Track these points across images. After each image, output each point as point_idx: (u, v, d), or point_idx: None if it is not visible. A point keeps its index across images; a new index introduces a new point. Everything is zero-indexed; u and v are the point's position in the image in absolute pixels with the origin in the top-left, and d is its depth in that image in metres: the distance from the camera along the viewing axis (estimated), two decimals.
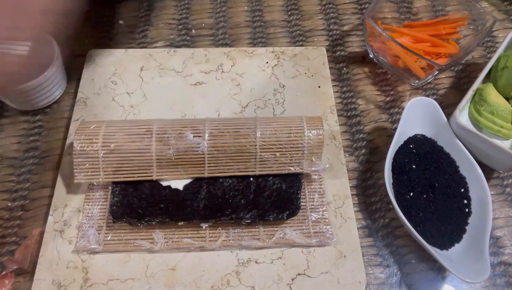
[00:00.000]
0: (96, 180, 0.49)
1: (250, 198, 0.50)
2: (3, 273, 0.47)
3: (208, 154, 0.49)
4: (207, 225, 0.49)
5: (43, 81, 0.54)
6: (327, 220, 0.50)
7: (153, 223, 0.48)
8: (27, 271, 0.47)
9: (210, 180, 0.50)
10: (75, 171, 0.48)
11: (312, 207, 0.51)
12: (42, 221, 0.51)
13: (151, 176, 0.49)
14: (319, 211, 0.51)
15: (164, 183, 0.50)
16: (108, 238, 0.48)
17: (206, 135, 0.49)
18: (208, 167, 0.50)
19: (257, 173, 0.50)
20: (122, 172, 0.49)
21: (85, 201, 0.51)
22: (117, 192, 0.49)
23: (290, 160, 0.50)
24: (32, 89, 0.54)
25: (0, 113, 0.59)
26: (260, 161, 0.50)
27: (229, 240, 0.49)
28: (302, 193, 0.51)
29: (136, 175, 0.49)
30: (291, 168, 0.50)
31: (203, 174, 0.50)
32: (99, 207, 0.50)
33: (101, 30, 0.68)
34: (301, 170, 0.50)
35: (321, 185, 0.53)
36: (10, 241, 0.50)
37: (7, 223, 0.51)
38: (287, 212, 0.49)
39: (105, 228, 0.49)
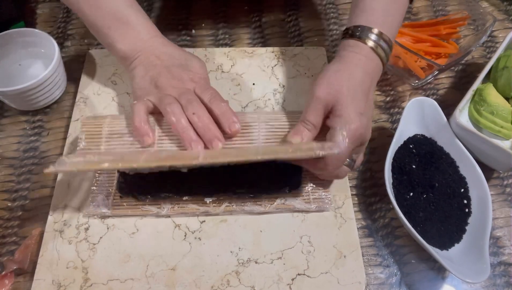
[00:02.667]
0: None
1: (253, 173, 0.50)
2: (3, 273, 0.47)
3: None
4: (210, 200, 0.50)
5: (43, 81, 0.54)
6: (326, 187, 0.52)
7: (159, 198, 0.50)
8: (27, 271, 0.47)
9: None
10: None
11: (312, 176, 0.52)
12: (42, 221, 0.51)
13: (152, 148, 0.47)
14: (318, 180, 0.52)
15: None
16: (117, 203, 0.50)
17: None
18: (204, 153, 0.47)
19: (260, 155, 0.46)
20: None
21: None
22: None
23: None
24: (32, 89, 0.54)
25: (0, 113, 0.59)
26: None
27: (232, 205, 0.50)
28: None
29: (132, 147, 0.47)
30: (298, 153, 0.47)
31: (198, 159, 0.45)
32: (107, 174, 0.52)
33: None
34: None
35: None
36: (10, 241, 0.50)
37: (7, 223, 0.51)
38: (289, 184, 0.50)
39: (114, 194, 0.50)
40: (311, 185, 0.52)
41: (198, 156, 0.44)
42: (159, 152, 0.46)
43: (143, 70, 0.49)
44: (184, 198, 0.50)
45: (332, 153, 0.43)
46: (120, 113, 0.58)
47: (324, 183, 0.52)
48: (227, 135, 0.47)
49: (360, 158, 0.50)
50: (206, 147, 0.45)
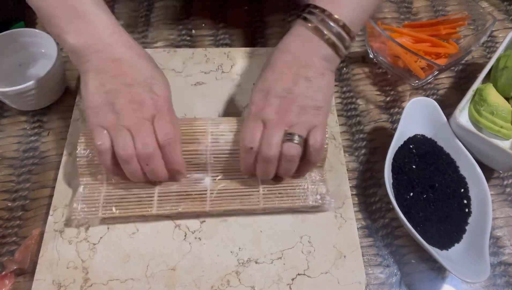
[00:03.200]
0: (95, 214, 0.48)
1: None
2: (3, 273, 0.47)
3: (210, 190, 0.50)
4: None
5: (43, 81, 0.54)
6: (327, 188, 0.51)
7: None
8: (27, 271, 0.47)
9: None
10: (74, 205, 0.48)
11: (312, 178, 0.52)
12: (42, 221, 0.51)
13: (151, 209, 0.49)
14: (318, 181, 0.52)
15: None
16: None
17: (209, 171, 0.50)
18: (211, 202, 0.50)
19: (261, 205, 0.50)
20: (123, 205, 0.49)
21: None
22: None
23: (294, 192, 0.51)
24: (32, 89, 0.54)
25: (0, 113, 0.59)
26: (263, 195, 0.50)
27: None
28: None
29: (136, 209, 0.49)
30: (297, 201, 0.50)
31: (205, 208, 0.49)
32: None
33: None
34: (305, 203, 0.50)
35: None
36: (10, 241, 0.50)
37: (7, 223, 0.51)
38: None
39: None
40: (311, 185, 0.52)
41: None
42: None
43: (98, 80, 0.43)
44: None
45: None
46: None
47: (325, 175, 0.52)
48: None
49: (316, 136, 0.45)
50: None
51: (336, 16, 0.45)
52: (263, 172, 0.47)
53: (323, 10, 0.45)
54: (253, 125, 0.45)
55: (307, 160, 0.47)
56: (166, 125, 0.44)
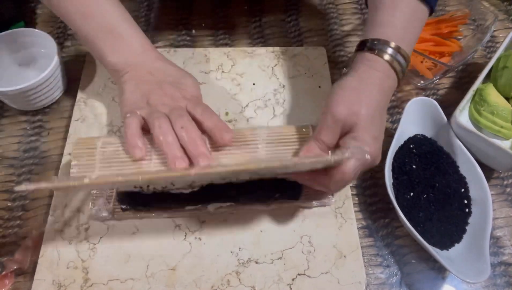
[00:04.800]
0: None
1: (256, 184, 0.49)
2: (3, 273, 0.47)
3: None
4: (213, 208, 0.50)
5: (43, 81, 0.54)
6: None
7: (160, 208, 0.49)
8: (27, 271, 0.47)
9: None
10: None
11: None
12: (42, 221, 0.51)
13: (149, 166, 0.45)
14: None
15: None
16: (118, 207, 0.49)
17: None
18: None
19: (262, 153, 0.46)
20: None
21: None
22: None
23: None
24: (32, 89, 0.54)
25: (0, 113, 0.59)
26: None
27: (234, 206, 0.50)
28: None
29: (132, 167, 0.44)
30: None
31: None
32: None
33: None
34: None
35: None
36: (10, 241, 0.50)
37: (7, 223, 0.51)
38: (290, 192, 0.50)
39: (114, 199, 0.50)
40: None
41: (190, 170, 0.41)
42: (150, 167, 0.44)
43: (134, 85, 0.47)
44: (187, 208, 0.49)
45: (344, 157, 0.40)
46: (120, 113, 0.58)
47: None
48: (221, 147, 0.45)
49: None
50: (191, 164, 0.42)
51: (403, 50, 0.46)
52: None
53: (395, 46, 0.45)
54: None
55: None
56: (199, 103, 0.48)
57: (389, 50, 0.45)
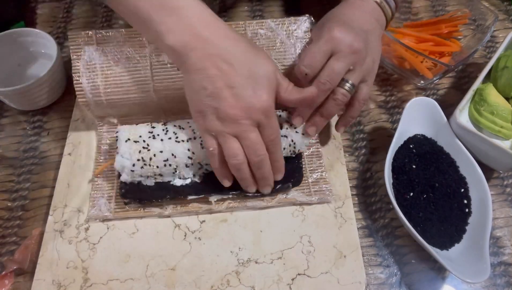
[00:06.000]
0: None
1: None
2: (3, 273, 0.47)
3: None
4: (215, 199, 0.51)
5: (43, 81, 0.54)
6: (326, 179, 0.53)
7: (163, 201, 0.50)
8: (27, 271, 0.47)
9: None
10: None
11: (311, 168, 0.54)
12: (42, 221, 0.51)
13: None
14: (318, 172, 0.53)
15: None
16: (119, 207, 0.50)
17: None
18: None
19: None
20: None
21: (94, 175, 0.52)
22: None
23: None
24: (32, 89, 0.54)
25: (0, 113, 0.59)
26: None
27: (234, 202, 0.51)
28: (301, 159, 0.53)
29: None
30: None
31: None
32: (106, 178, 0.52)
33: (101, 30, 0.68)
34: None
35: (318, 148, 0.55)
36: (10, 241, 0.50)
37: (7, 223, 0.51)
38: (292, 180, 0.51)
39: (115, 198, 0.50)
40: (312, 175, 0.53)
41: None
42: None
43: (199, 82, 0.41)
44: (189, 198, 0.50)
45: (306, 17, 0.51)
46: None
47: (324, 175, 0.53)
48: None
49: (364, 90, 0.49)
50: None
51: None
52: (315, 93, 0.46)
53: None
54: (321, 48, 0.45)
55: (346, 109, 0.51)
56: (273, 129, 0.44)
57: None
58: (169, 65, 0.51)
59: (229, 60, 0.41)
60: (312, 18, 0.54)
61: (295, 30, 0.53)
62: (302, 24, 0.53)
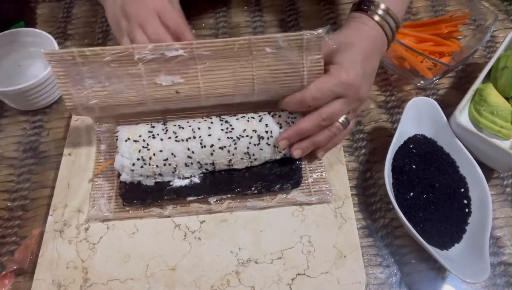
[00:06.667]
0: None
1: (254, 171, 0.51)
2: (3, 273, 0.47)
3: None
4: (215, 200, 0.51)
5: (43, 81, 0.54)
6: (326, 179, 0.53)
7: (162, 201, 0.50)
8: (27, 271, 0.47)
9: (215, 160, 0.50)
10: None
11: (311, 168, 0.54)
12: (42, 221, 0.51)
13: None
14: (318, 172, 0.53)
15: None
16: (119, 207, 0.50)
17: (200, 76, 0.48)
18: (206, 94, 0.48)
19: (255, 98, 0.50)
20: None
21: (93, 175, 0.52)
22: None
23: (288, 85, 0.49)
24: (32, 89, 0.54)
25: (0, 113, 0.59)
26: (258, 88, 0.49)
27: (234, 202, 0.51)
28: (301, 159, 0.53)
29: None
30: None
31: (200, 100, 0.49)
32: (106, 178, 0.52)
33: (101, 30, 0.68)
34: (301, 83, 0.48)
35: None
36: (10, 241, 0.50)
37: (7, 223, 0.51)
38: (291, 182, 0.51)
39: (115, 198, 0.50)
40: (312, 175, 0.53)
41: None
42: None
43: (112, 1, 0.50)
44: (188, 199, 0.50)
45: (320, 34, 0.45)
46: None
47: (324, 175, 0.53)
48: None
49: (353, 122, 0.51)
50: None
51: (393, 12, 0.50)
52: (303, 131, 0.48)
53: (385, 7, 0.49)
54: (333, 90, 0.47)
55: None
56: (172, 16, 0.49)
57: (379, 11, 0.49)
58: (164, 84, 0.47)
59: None
60: (327, 31, 0.46)
61: (307, 49, 0.46)
62: (315, 41, 0.46)
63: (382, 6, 0.49)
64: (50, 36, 0.57)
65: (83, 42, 0.66)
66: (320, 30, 0.45)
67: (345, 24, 0.51)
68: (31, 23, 0.68)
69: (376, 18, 0.49)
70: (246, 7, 0.72)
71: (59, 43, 0.62)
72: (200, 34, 0.68)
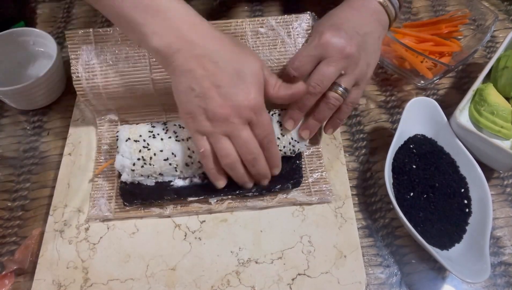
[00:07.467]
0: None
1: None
2: (3, 273, 0.47)
3: None
4: (215, 200, 0.51)
5: (43, 80, 0.54)
6: (326, 179, 0.53)
7: (163, 201, 0.50)
8: (27, 271, 0.47)
9: None
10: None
11: (311, 168, 0.54)
12: (42, 221, 0.51)
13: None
14: (318, 172, 0.53)
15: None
16: (120, 207, 0.50)
17: None
18: None
19: None
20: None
21: (94, 175, 0.53)
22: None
23: None
24: (32, 89, 0.54)
25: (0, 113, 0.59)
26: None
27: (234, 202, 0.51)
28: (301, 159, 0.53)
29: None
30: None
31: None
32: (107, 179, 0.52)
33: (99, 29, 0.68)
34: None
35: (318, 148, 0.55)
36: (10, 241, 0.50)
37: (7, 223, 0.51)
38: (291, 181, 0.51)
39: (115, 198, 0.50)
40: (312, 175, 0.53)
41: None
42: None
43: (185, 83, 0.41)
44: (189, 199, 0.50)
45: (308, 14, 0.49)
46: None
47: (324, 175, 0.53)
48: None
49: (354, 94, 0.49)
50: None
51: None
52: (302, 104, 0.47)
53: None
54: (310, 53, 0.46)
55: (337, 111, 0.50)
56: (264, 126, 0.44)
57: None
58: None
59: (214, 59, 0.41)
60: (315, 15, 0.53)
61: (296, 28, 0.52)
62: (303, 22, 0.52)
63: None
64: (50, 36, 0.57)
65: None
66: (307, 15, 0.52)
67: (342, 3, 0.50)
68: (31, 23, 0.68)
69: None
70: (246, 7, 0.72)
71: (59, 43, 0.62)
72: None
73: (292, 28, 0.52)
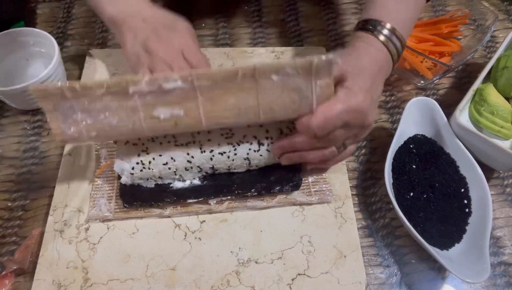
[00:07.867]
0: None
1: (254, 173, 0.51)
2: (3, 273, 0.46)
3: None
4: (215, 201, 0.51)
5: (43, 80, 0.54)
6: (326, 179, 0.53)
7: (163, 203, 0.50)
8: (27, 271, 0.47)
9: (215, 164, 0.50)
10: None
11: (311, 170, 0.53)
12: (42, 221, 0.51)
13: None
14: (317, 171, 0.53)
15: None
16: (120, 207, 0.50)
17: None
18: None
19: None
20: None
21: (94, 176, 0.52)
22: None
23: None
24: None
25: (0, 113, 0.59)
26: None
27: (234, 202, 0.51)
28: None
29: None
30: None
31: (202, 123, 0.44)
32: (107, 179, 0.52)
33: (101, 30, 0.68)
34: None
35: None
36: (10, 241, 0.50)
37: (7, 223, 0.51)
38: (291, 184, 0.51)
39: (115, 198, 0.50)
40: (312, 178, 0.53)
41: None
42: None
43: (132, 36, 0.49)
44: (189, 201, 0.50)
45: (331, 60, 0.41)
46: None
47: (324, 175, 0.53)
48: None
49: (351, 148, 0.48)
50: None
51: (399, 32, 0.48)
52: (306, 144, 0.46)
53: (392, 28, 0.47)
54: (341, 117, 0.43)
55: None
56: (196, 53, 0.49)
57: (384, 31, 0.47)
58: (162, 117, 0.43)
59: (154, 16, 0.51)
60: (338, 55, 0.42)
61: (316, 74, 0.42)
62: (324, 66, 0.41)
63: (388, 26, 0.47)
64: (50, 36, 0.57)
65: (83, 42, 0.66)
66: (330, 56, 0.41)
67: (351, 44, 0.48)
68: (31, 23, 0.68)
69: (382, 38, 0.47)
70: (246, 7, 0.72)
71: (59, 43, 0.62)
72: (200, 34, 0.68)
73: (311, 74, 0.42)
